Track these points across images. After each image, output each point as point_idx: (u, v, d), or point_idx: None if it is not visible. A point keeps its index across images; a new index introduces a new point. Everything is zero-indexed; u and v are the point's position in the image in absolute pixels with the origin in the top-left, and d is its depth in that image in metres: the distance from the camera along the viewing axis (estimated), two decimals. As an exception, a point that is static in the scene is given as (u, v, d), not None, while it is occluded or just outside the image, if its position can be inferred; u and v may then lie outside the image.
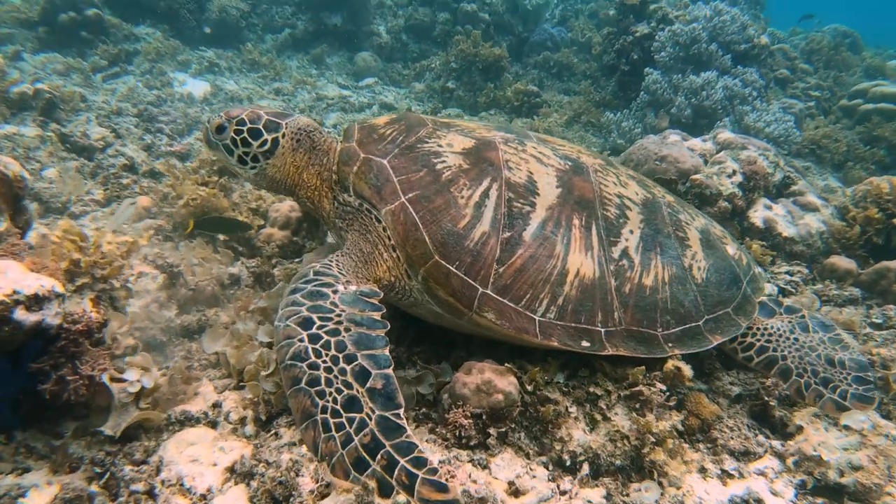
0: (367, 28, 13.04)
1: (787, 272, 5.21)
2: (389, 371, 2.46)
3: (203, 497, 2.42)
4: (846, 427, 3.04)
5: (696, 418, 3.05)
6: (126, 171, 5.58)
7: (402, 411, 2.36)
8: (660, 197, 3.50)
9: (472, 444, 2.67)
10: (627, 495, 2.63)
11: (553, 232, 2.96)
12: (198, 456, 2.57)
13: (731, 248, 3.55)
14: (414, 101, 10.59)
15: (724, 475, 2.88)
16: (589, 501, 2.55)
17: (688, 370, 2.97)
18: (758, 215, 5.77)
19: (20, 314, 2.19)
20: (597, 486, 2.64)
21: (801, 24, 18.01)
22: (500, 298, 2.83)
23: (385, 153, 3.14)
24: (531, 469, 2.67)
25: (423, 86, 11.56)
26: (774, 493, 2.82)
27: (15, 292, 2.19)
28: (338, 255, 3.08)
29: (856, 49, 15.69)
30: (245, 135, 3.23)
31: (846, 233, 5.61)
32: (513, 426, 2.77)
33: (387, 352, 2.53)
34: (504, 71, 11.43)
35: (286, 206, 4.49)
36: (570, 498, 2.57)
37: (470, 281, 2.82)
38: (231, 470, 2.52)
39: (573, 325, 2.88)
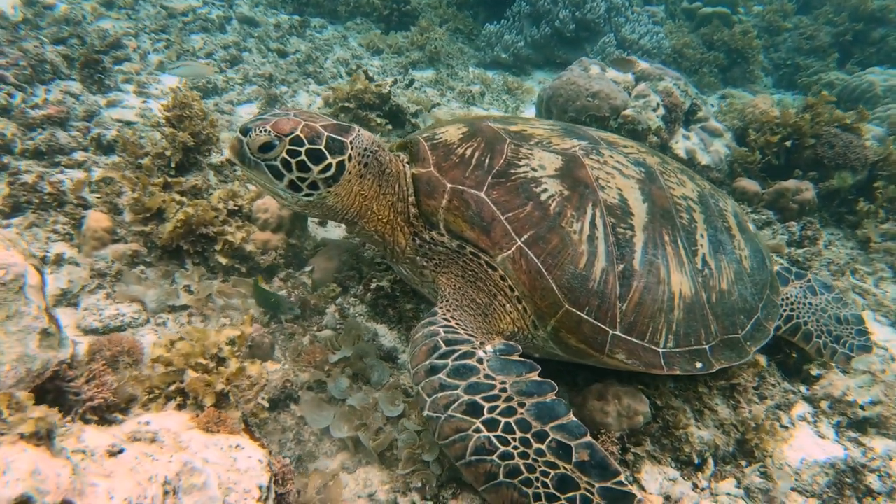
0: None
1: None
2: (588, 438, 2.33)
3: None
4: (857, 370, 3.76)
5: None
6: None
7: (622, 477, 2.27)
8: (704, 187, 3.62)
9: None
10: (745, 475, 3.03)
11: (654, 254, 2.91)
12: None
13: (751, 224, 3.88)
14: (265, 7, 9.13)
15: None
16: (728, 493, 2.91)
17: (763, 362, 3.37)
18: (680, 146, 6.28)
19: None
20: (726, 477, 3.00)
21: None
22: (628, 337, 2.77)
23: (478, 183, 2.82)
24: (667, 474, 2.93)
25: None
26: (821, 435, 3.45)
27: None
28: (449, 309, 2.76)
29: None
30: (303, 157, 2.64)
31: (748, 157, 6.39)
32: (648, 439, 2.96)
33: (572, 416, 2.39)
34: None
35: (273, 203, 3.84)
36: (713, 493, 2.90)
37: (600, 325, 2.71)
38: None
39: (686, 349, 2.93)
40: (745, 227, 3.70)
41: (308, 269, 3.81)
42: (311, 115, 2.82)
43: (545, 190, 2.83)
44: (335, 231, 4.43)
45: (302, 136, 2.64)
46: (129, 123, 5.07)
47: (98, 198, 3.69)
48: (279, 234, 3.83)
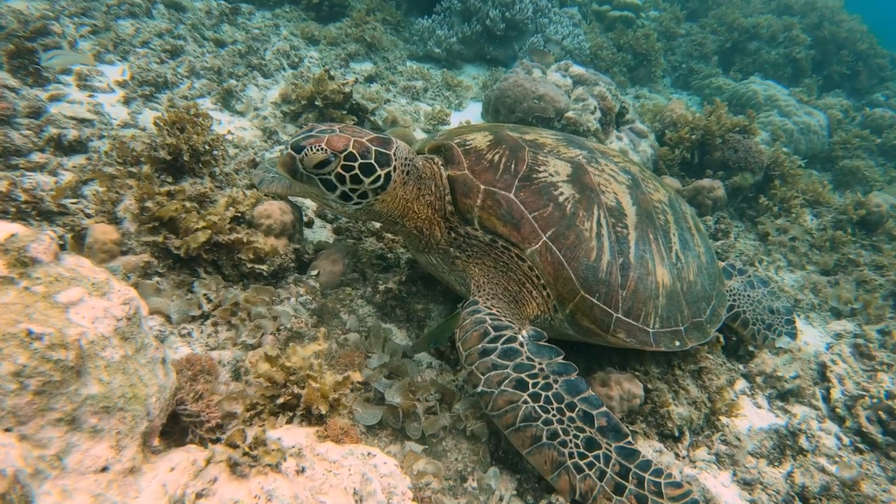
0: None
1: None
2: (605, 408, 2.84)
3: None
4: (783, 350, 4.51)
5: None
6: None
7: (630, 438, 2.80)
8: (671, 192, 4.18)
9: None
10: (714, 443, 3.62)
11: (643, 250, 3.43)
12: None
13: (702, 224, 4.52)
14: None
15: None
16: (703, 459, 3.47)
17: (719, 337, 3.97)
18: (614, 147, 6.91)
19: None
20: (699, 446, 3.56)
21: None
22: (627, 319, 3.28)
23: (507, 185, 3.17)
24: (654, 446, 3.44)
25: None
26: (757, 406, 4.15)
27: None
28: (487, 298, 3.12)
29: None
30: (356, 171, 2.92)
31: (668, 155, 7.17)
32: (642, 418, 3.46)
33: (591, 391, 2.87)
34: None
35: (276, 208, 3.89)
36: (691, 460, 3.45)
37: (607, 308, 3.20)
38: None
39: (668, 329, 3.48)
40: (699, 227, 4.31)
41: (314, 272, 3.92)
42: (355, 130, 3.05)
43: (562, 193, 3.23)
44: (322, 232, 4.54)
45: (354, 152, 2.90)
46: (83, 121, 4.79)
47: (95, 207, 3.55)
48: (283, 240, 3.91)
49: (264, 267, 3.60)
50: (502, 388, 2.73)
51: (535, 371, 2.81)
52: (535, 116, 6.58)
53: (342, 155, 2.86)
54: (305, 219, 4.54)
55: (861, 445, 3.86)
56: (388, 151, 3.01)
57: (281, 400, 2.27)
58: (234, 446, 1.53)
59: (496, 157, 3.28)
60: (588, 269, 3.14)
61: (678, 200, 4.22)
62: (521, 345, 2.90)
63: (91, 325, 1.77)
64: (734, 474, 3.39)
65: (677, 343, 3.48)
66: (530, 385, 2.76)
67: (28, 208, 3.46)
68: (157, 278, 3.39)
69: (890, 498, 3.33)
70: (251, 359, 2.41)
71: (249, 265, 3.57)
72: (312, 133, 2.91)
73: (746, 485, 3.31)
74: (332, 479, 1.65)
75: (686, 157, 7.18)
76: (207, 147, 3.95)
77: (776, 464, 3.53)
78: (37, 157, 4.24)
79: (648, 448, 3.41)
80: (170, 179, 3.76)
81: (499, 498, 2.86)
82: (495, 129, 3.62)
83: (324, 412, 2.23)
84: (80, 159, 4.11)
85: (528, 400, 2.72)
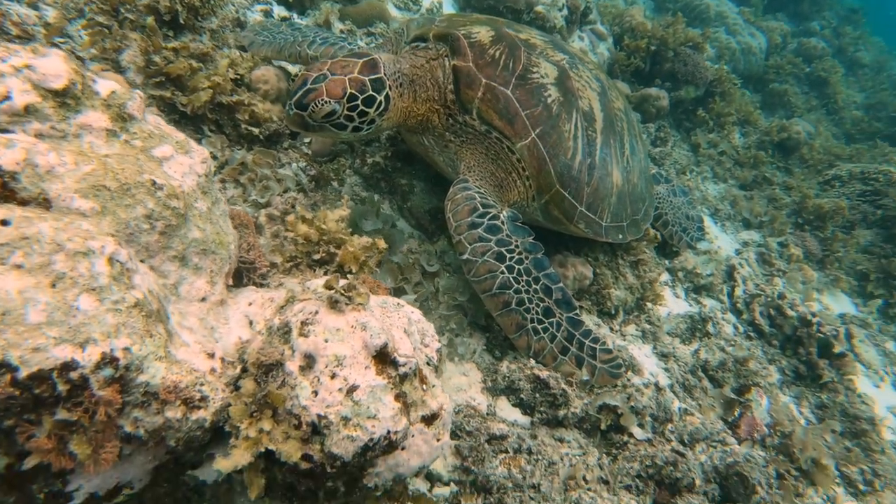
0: None
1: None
2: (561, 284, 3.46)
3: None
4: (702, 251, 5.30)
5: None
6: None
7: (578, 310, 3.47)
8: (625, 100, 4.63)
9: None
10: (641, 322, 4.40)
11: (606, 153, 3.91)
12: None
13: (643, 131, 5.04)
14: None
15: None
16: (631, 334, 4.25)
17: (656, 234, 4.65)
18: (575, 46, 7.19)
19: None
20: (630, 323, 4.33)
21: None
22: (587, 213, 3.81)
23: (505, 82, 3.48)
24: (594, 320, 4.17)
25: None
26: (676, 295, 4.98)
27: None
28: (476, 179, 3.53)
29: None
30: (361, 107, 3.14)
31: (624, 62, 7.55)
32: (588, 296, 4.14)
33: (553, 268, 3.45)
34: None
35: (272, 74, 4.00)
36: (622, 334, 4.22)
37: (574, 202, 3.71)
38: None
39: (615, 224, 4.04)
40: (641, 134, 4.87)
41: (306, 140, 4.15)
42: (343, 65, 3.18)
43: (549, 95, 3.61)
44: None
45: (354, 91, 3.09)
46: None
47: (95, 53, 3.53)
48: (278, 106, 4.07)
49: (257, 131, 3.78)
50: (485, 258, 3.24)
51: (512, 247, 3.33)
52: (507, 6, 6.67)
53: (344, 100, 3.05)
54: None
55: (752, 334, 4.81)
56: (379, 75, 3.20)
57: (317, 256, 2.66)
58: (330, 288, 1.94)
59: (497, 54, 3.54)
60: (564, 166, 3.60)
61: (629, 108, 4.70)
62: (503, 223, 3.38)
63: (182, 179, 2.05)
64: (654, 348, 4.20)
65: (620, 236, 4.09)
66: (507, 258, 3.28)
67: (20, 44, 3.39)
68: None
69: (767, 373, 4.29)
70: (289, 219, 2.73)
71: (245, 127, 3.75)
72: (309, 86, 3.04)
73: (663, 356, 4.13)
74: (389, 318, 2.11)
75: (640, 67, 7.59)
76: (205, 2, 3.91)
77: (687, 342, 4.38)
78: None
79: (590, 321, 4.12)
80: (170, 33, 3.75)
81: (472, 351, 3.47)
82: (495, 24, 3.84)
83: (354, 270, 2.65)
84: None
85: (505, 271, 3.26)
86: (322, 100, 3.00)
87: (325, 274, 2.62)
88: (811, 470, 3.55)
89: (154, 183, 1.85)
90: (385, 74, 3.24)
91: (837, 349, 4.57)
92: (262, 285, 2.54)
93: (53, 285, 1.48)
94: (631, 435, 3.22)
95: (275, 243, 2.83)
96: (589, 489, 2.87)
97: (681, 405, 3.71)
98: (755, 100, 9.97)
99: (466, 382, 3.31)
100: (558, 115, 3.58)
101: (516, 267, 3.31)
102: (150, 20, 3.59)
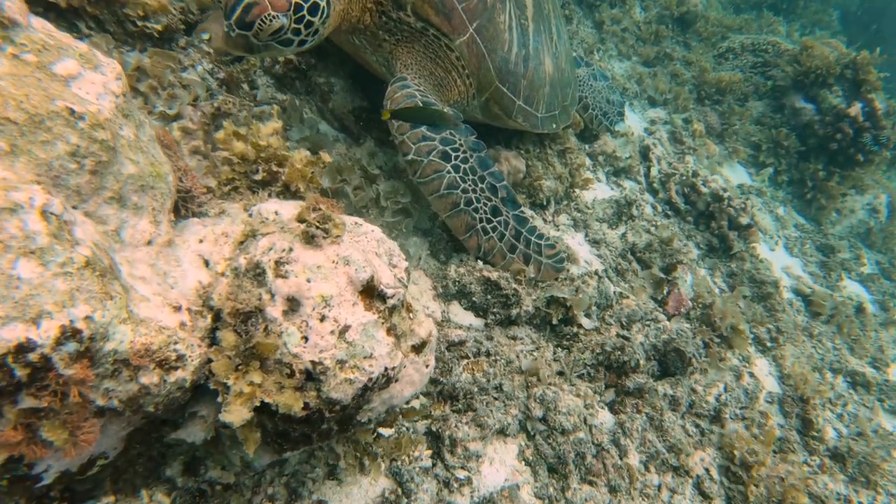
0: None
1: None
2: (505, 182, 3.42)
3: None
4: (619, 133, 5.38)
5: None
6: None
7: (523, 207, 3.45)
8: None
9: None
10: (571, 211, 4.48)
11: (538, 41, 3.79)
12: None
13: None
14: None
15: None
16: (563, 224, 4.33)
17: (580, 120, 4.63)
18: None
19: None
20: (561, 213, 4.39)
21: None
22: (525, 106, 3.73)
23: None
24: (528, 213, 4.20)
25: None
26: (598, 180, 5.09)
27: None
28: (415, 77, 3.28)
29: None
30: (307, 17, 2.74)
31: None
32: (521, 189, 4.12)
33: (497, 167, 3.38)
34: None
35: (155, -40, 3.40)
36: (555, 224, 4.29)
37: (512, 97, 3.61)
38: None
39: (549, 114, 4.03)
40: (562, 13, 4.70)
41: (204, 36, 3.62)
42: None
43: None
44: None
45: (298, 1, 2.66)
46: None
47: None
48: (167, -5, 3.48)
49: (158, 27, 3.25)
50: (430, 157, 3.10)
51: (457, 146, 3.20)
52: None
53: (291, 11, 2.62)
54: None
55: (669, 212, 5.07)
56: None
57: (258, 177, 2.40)
58: (303, 220, 1.74)
59: None
60: (503, 60, 3.43)
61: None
62: None
63: (98, 102, 1.71)
64: (586, 235, 4.32)
65: (554, 125, 4.06)
66: (452, 157, 3.16)
67: None
68: (33, 33, 2.92)
69: (688, 250, 4.58)
70: (218, 136, 2.41)
71: (140, 23, 3.21)
72: (248, 0, 2.55)
73: (595, 243, 4.27)
74: (358, 243, 1.95)
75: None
76: None
77: (614, 227, 4.55)
78: None
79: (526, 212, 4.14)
80: None
81: (418, 258, 3.40)
82: None
83: (302, 189, 2.43)
84: None
85: (451, 171, 3.14)
86: (268, 14, 2.56)
87: (270, 196, 2.38)
88: (730, 335, 3.93)
89: (72, 111, 1.52)
90: None
91: (745, 221, 4.94)
92: (200, 214, 2.27)
93: (-19, 254, 1.21)
94: (580, 326, 3.36)
95: (205, 164, 2.51)
96: (550, 384, 3.01)
97: (615, 289, 3.90)
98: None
99: (417, 291, 3.26)
100: (493, 5, 3.35)
101: (462, 166, 3.19)
102: None
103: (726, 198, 4.94)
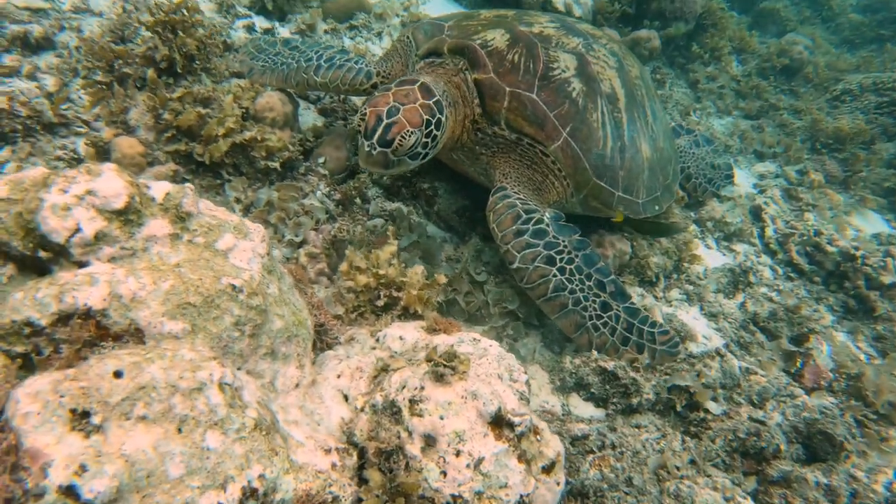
0: None
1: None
2: (613, 276, 3.41)
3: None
4: (726, 197, 5.27)
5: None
6: None
7: (634, 299, 3.45)
8: (638, 64, 4.49)
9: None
10: (682, 284, 4.40)
11: (633, 130, 3.84)
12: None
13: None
14: None
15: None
16: (676, 298, 4.26)
17: (683, 196, 4.61)
18: (559, 2, 6.96)
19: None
20: (672, 288, 4.33)
21: None
22: (625, 196, 3.74)
23: (529, 86, 3.37)
24: (638, 292, 4.17)
25: None
26: (708, 247, 4.97)
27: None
28: (514, 185, 3.46)
29: None
30: (434, 131, 3.07)
31: (608, 8, 7.33)
32: (628, 270, 4.13)
33: (603, 262, 3.41)
34: None
35: (276, 100, 3.85)
36: (667, 300, 4.23)
37: (611, 190, 3.64)
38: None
39: (651, 197, 3.99)
40: (655, 91, 4.74)
41: (320, 160, 4.03)
42: (404, 93, 3.06)
43: (573, 88, 3.49)
44: (307, 114, 4.54)
45: (429, 117, 3.00)
46: (38, 11, 4.20)
47: (107, 120, 3.38)
48: (287, 131, 3.95)
49: (276, 164, 3.67)
50: (536, 264, 3.20)
51: (561, 248, 3.28)
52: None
53: (423, 126, 2.97)
54: (292, 104, 4.49)
55: (792, 275, 4.83)
56: (437, 97, 3.11)
57: (380, 303, 2.63)
58: (430, 360, 1.91)
59: (516, 58, 3.41)
60: (598, 157, 3.52)
61: (642, 67, 4.56)
62: (548, 225, 3.33)
63: (249, 266, 1.99)
64: (701, 308, 4.21)
65: (657, 207, 4.04)
66: (557, 260, 3.24)
67: (32, 123, 3.25)
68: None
69: (820, 316, 4.32)
70: (343, 269, 2.69)
71: (263, 162, 3.65)
72: (387, 120, 2.91)
73: (712, 316, 4.14)
74: (481, 367, 2.09)
75: (626, 11, 7.38)
76: (201, 46, 3.75)
77: (731, 296, 4.40)
78: (7, 59, 3.76)
79: (635, 294, 4.12)
80: (170, 80, 3.60)
81: (532, 350, 3.48)
82: (506, 23, 3.69)
83: (420, 311, 2.62)
84: (50, 57, 3.72)
85: (557, 273, 3.22)
86: (407, 131, 2.90)
87: (392, 320, 2.59)
88: (889, 412, 3.60)
89: (234, 287, 1.80)
90: (439, 96, 3.16)
91: (887, 280, 4.57)
92: (333, 345, 2.51)
93: (180, 430, 1.45)
94: (707, 411, 3.25)
95: (331, 291, 2.78)
96: (682, 476, 2.92)
97: (740, 364, 3.74)
98: (744, 21, 9.67)
99: (536, 386, 3.32)
100: (584, 106, 3.48)
101: (567, 267, 3.26)
102: (150, 73, 3.43)
103: (860, 256, 4.62)
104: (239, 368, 1.79)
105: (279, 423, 1.78)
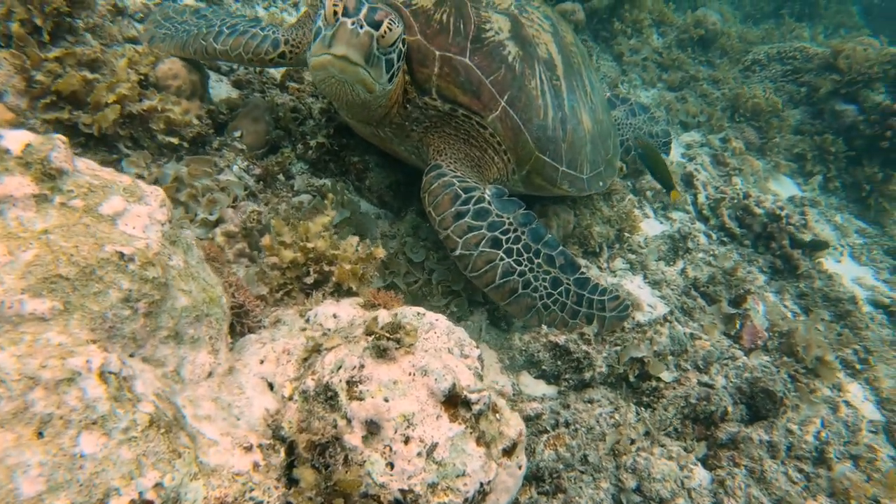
0: None
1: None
2: (561, 247, 3.16)
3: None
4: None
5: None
6: None
7: (584, 268, 3.24)
8: (570, 28, 4.30)
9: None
10: (625, 253, 4.29)
11: (573, 99, 3.57)
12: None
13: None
14: None
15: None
16: (619, 268, 4.14)
17: (622, 166, 4.49)
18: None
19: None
20: (615, 258, 4.21)
21: None
22: (568, 171, 3.48)
23: (461, 49, 3.02)
24: (582, 262, 4.02)
25: None
26: (647, 216, 4.89)
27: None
28: (450, 162, 3.12)
29: None
30: (401, 49, 2.71)
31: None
32: (572, 240, 3.96)
33: (550, 234, 3.14)
34: None
35: (180, 66, 3.40)
36: (611, 270, 4.10)
37: (555, 164, 3.37)
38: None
39: (594, 173, 3.76)
40: (592, 61, 4.59)
41: (236, 134, 3.64)
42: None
43: (509, 52, 3.18)
44: (220, 87, 4.12)
45: (399, 29, 2.61)
46: None
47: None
48: (195, 102, 3.52)
49: (176, 140, 3.22)
50: (480, 248, 2.87)
51: (506, 227, 2.97)
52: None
53: (397, 29, 2.58)
54: (200, 74, 4.04)
55: (724, 239, 4.82)
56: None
57: (310, 280, 2.30)
58: (370, 333, 1.62)
59: (444, 17, 3.05)
60: (539, 128, 3.23)
61: (574, 34, 4.36)
62: (489, 203, 2.99)
63: (145, 235, 1.64)
64: (644, 277, 4.11)
65: (601, 184, 3.81)
66: (503, 241, 2.93)
67: None
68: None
69: (754, 278, 4.32)
70: (265, 243, 2.34)
71: (162, 137, 3.20)
72: (370, 3, 2.50)
73: (655, 284, 4.04)
74: (428, 341, 1.81)
75: (550, -13, 7.26)
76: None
77: (671, 263, 4.33)
78: None
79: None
80: (46, 38, 3.10)
81: (479, 328, 3.24)
82: None
83: (354, 287, 2.32)
84: None
85: (504, 256, 2.91)
86: (393, 18, 2.49)
87: (324, 297, 2.28)
88: (815, 366, 3.61)
89: (122, 255, 1.44)
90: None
91: (807, 237, 4.65)
92: (256, 328, 2.17)
93: (40, 434, 1.11)
94: (659, 379, 3.12)
95: (253, 271, 2.44)
96: (638, 449, 2.77)
97: (685, 330, 3.65)
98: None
99: (484, 366, 3.09)
100: (522, 72, 3.17)
101: (514, 247, 2.96)
102: (15, 27, 2.92)
103: (783, 215, 4.67)
104: (132, 355, 1.44)
105: (186, 420, 1.45)
